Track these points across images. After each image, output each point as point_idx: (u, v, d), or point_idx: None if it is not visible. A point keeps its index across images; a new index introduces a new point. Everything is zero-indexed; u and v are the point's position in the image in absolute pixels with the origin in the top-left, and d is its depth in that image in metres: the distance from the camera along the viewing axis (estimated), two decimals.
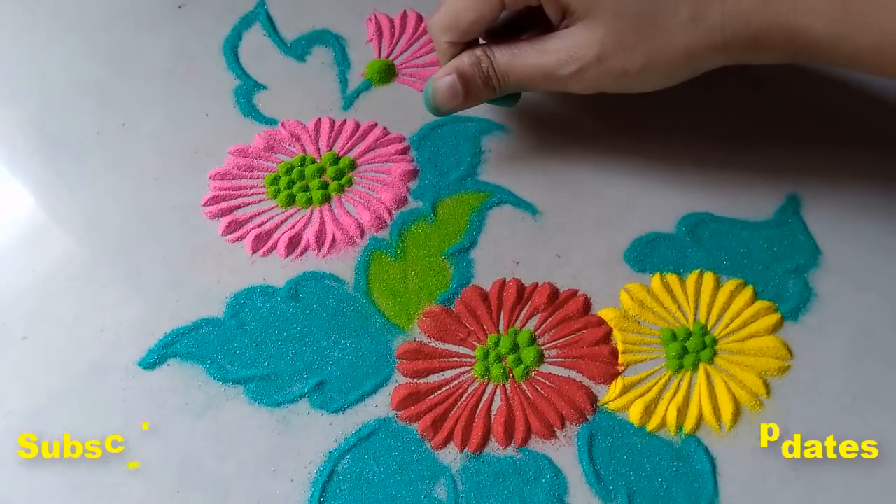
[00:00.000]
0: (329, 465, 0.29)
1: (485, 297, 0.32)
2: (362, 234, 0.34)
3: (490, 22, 0.30)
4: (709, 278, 0.32)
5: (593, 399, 0.30)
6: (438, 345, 0.31)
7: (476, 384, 0.30)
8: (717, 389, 0.30)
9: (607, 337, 0.31)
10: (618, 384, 0.30)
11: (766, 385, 0.30)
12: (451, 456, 0.29)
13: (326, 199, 0.35)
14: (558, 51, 0.29)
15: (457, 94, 0.31)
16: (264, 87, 0.39)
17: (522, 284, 0.32)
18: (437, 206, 0.35)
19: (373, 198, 0.35)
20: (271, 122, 0.38)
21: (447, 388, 0.30)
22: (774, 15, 0.27)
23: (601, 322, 0.31)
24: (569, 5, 0.28)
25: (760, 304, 0.32)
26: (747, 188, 0.35)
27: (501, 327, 0.32)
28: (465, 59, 0.30)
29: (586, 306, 0.32)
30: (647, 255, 0.33)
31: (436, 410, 0.30)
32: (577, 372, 0.31)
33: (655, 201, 0.35)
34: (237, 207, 0.35)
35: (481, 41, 0.33)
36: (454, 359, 0.31)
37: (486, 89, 0.31)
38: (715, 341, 0.31)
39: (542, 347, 0.31)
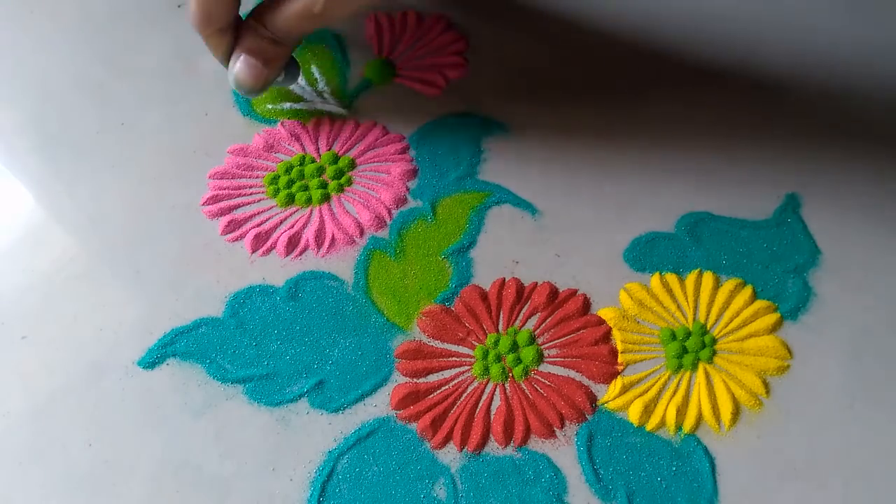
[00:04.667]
0: (328, 465, 0.29)
1: (484, 296, 0.32)
2: (362, 233, 0.34)
3: (233, 4, 0.31)
4: (708, 278, 0.32)
5: (592, 398, 0.30)
6: (438, 344, 0.31)
7: (475, 384, 0.30)
8: (716, 389, 0.30)
9: (607, 336, 0.31)
10: (617, 384, 0.30)
11: (766, 384, 0.30)
12: (450, 455, 0.29)
13: (326, 198, 0.35)
14: None
15: (256, 67, 0.32)
16: None
17: (522, 284, 0.32)
18: (436, 206, 0.35)
19: (372, 197, 0.35)
20: (271, 121, 0.38)
21: (446, 387, 0.30)
22: None
23: (600, 322, 0.31)
24: None
25: (760, 304, 0.32)
26: (747, 188, 0.35)
27: (501, 327, 0.32)
28: (244, 38, 0.32)
29: (586, 306, 0.32)
30: (647, 254, 0.33)
31: (435, 410, 0.30)
32: (577, 371, 0.31)
33: (655, 201, 0.35)
34: (236, 207, 0.35)
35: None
36: (453, 358, 0.31)
37: (278, 48, 0.32)
38: (714, 341, 0.31)
39: (542, 347, 0.31)
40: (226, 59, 0.33)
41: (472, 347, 0.31)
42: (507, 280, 0.32)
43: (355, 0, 0.31)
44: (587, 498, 0.28)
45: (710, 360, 0.31)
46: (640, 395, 0.30)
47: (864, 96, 0.37)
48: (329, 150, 0.37)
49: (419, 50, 0.40)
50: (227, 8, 0.31)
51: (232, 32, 0.32)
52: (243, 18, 0.33)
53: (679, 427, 0.29)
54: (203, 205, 0.35)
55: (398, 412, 0.30)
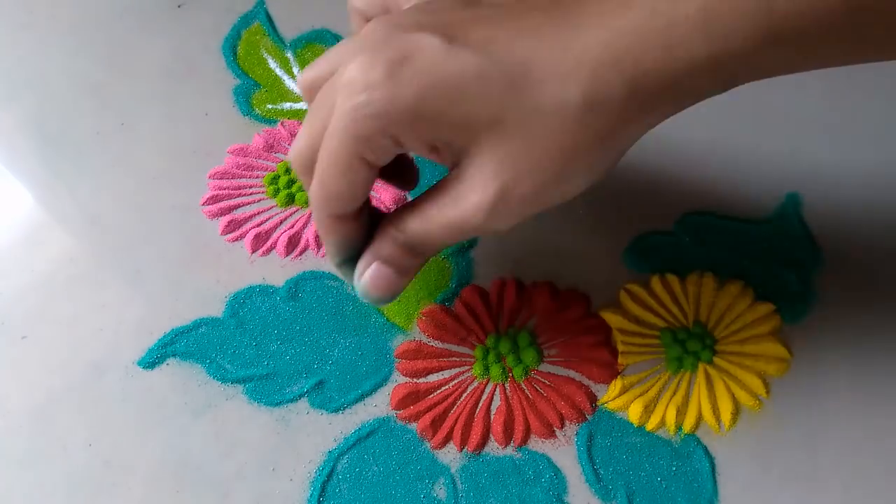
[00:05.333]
0: (328, 465, 0.29)
1: (484, 296, 0.32)
2: None
3: (367, 185, 0.24)
4: (708, 278, 0.32)
5: (593, 398, 0.30)
6: (438, 344, 0.31)
7: (475, 384, 0.30)
8: (716, 389, 0.30)
9: (607, 337, 0.31)
10: (617, 384, 0.30)
11: (766, 385, 0.30)
12: (450, 455, 0.29)
13: None
14: (457, 200, 0.23)
15: (390, 279, 0.26)
16: (264, 87, 0.39)
17: (522, 284, 0.32)
18: None
19: (372, 197, 0.35)
20: (271, 121, 0.38)
21: (446, 387, 0.30)
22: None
23: (601, 322, 0.31)
24: (445, 146, 0.23)
25: (760, 305, 0.32)
26: (747, 187, 0.35)
27: (501, 327, 0.32)
28: (379, 243, 0.26)
29: (586, 306, 0.32)
30: (647, 255, 0.33)
31: (435, 410, 0.30)
32: (577, 371, 0.31)
33: (655, 201, 0.35)
34: (236, 207, 0.35)
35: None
36: (454, 358, 0.31)
37: (416, 260, 0.26)
38: (714, 341, 0.31)
39: (542, 347, 0.31)
40: (340, 253, 0.27)
41: (472, 347, 0.31)
42: (507, 280, 0.32)
43: (520, 212, 0.24)
44: (587, 498, 0.28)
45: (710, 361, 0.31)
46: (641, 395, 0.30)
47: (863, 95, 0.37)
48: None
49: None
50: (357, 190, 0.24)
51: (357, 225, 0.26)
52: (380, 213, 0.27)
53: (679, 427, 0.29)
54: (203, 205, 0.35)
55: (398, 412, 0.30)
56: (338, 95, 0.23)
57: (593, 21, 0.22)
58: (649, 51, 0.21)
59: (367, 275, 0.26)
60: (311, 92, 0.25)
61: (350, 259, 0.27)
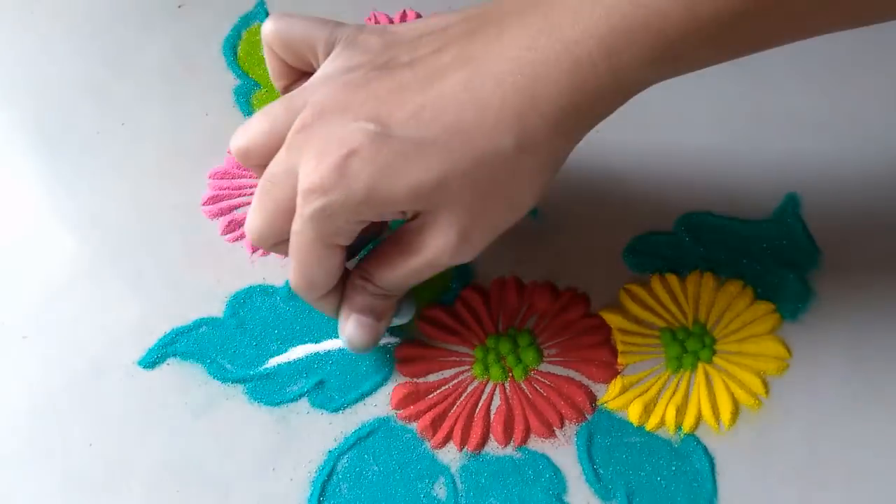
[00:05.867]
0: (328, 465, 0.29)
1: (484, 296, 0.32)
2: None
3: (343, 261, 0.27)
4: (708, 278, 0.32)
5: (592, 398, 0.30)
6: (438, 344, 0.31)
7: (475, 383, 0.30)
8: (716, 389, 0.30)
9: (606, 337, 0.31)
10: (617, 383, 0.30)
11: (765, 384, 0.30)
12: (450, 455, 0.29)
13: None
14: (421, 248, 0.26)
15: (370, 326, 0.28)
16: (264, 87, 0.39)
17: (522, 284, 0.32)
18: None
19: None
20: None
21: (446, 387, 0.30)
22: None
23: (600, 322, 0.31)
24: (406, 208, 0.25)
25: (759, 304, 0.32)
26: (746, 187, 0.35)
27: (501, 327, 0.32)
28: (352, 296, 0.28)
29: (586, 306, 0.32)
30: (647, 254, 0.33)
31: (435, 410, 0.30)
32: (577, 371, 0.31)
33: (654, 201, 0.35)
34: (237, 207, 0.35)
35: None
36: (453, 358, 0.31)
37: (389, 301, 0.28)
38: (714, 341, 0.31)
39: (542, 347, 0.31)
40: (334, 313, 0.29)
41: (473, 347, 0.31)
42: (507, 280, 0.32)
43: (481, 245, 0.26)
44: (587, 497, 0.28)
45: (709, 360, 0.31)
46: (640, 394, 0.30)
47: (863, 95, 0.37)
48: None
49: None
50: (331, 277, 0.27)
51: (339, 293, 0.28)
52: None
53: (679, 427, 0.29)
54: (203, 205, 0.35)
55: (398, 412, 0.30)
56: (299, 200, 0.25)
57: (505, 72, 0.24)
58: (562, 92, 0.23)
59: (349, 329, 0.28)
60: (248, 159, 0.27)
61: None
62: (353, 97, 0.25)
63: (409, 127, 0.24)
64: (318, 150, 0.24)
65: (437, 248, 0.25)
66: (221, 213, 0.35)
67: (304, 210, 0.25)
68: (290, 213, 0.26)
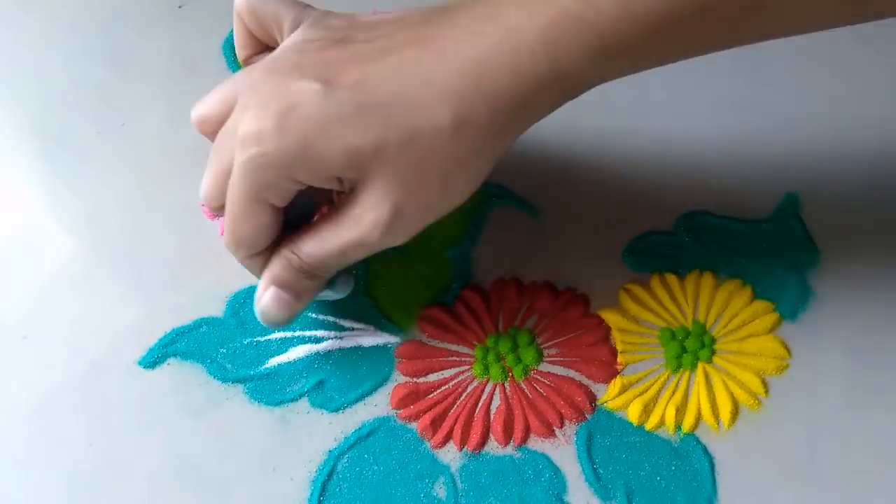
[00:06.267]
0: (329, 464, 0.29)
1: (484, 296, 0.32)
2: None
3: (275, 224, 0.26)
4: (707, 277, 0.32)
5: (592, 398, 0.30)
6: (438, 344, 0.31)
7: (475, 383, 0.30)
8: (715, 388, 0.30)
9: (606, 336, 0.31)
10: (617, 383, 0.30)
11: (765, 384, 0.30)
12: (450, 455, 0.29)
13: None
14: (353, 222, 0.25)
15: (286, 303, 0.27)
16: None
17: (522, 284, 0.32)
18: None
19: None
20: None
21: (446, 387, 0.30)
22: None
23: (600, 321, 0.31)
24: (340, 176, 0.25)
25: (759, 304, 0.32)
26: (746, 187, 0.35)
27: (501, 326, 0.32)
28: (275, 267, 0.27)
29: (585, 306, 0.32)
30: (647, 254, 0.33)
31: (435, 409, 0.30)
32: (576, 371, 0.31)
33: (654, 200, 0.35)
34: None
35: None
36: (453, 358, 0.31)
37: (313, 281, 0.28)
38: (713, 340, 0.31)
39: (542, 346, 0.31)
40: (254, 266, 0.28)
41: (472, 347, 0.31)
42: (507, 280, 0.32)
43: (413, 226, 0.26)
44: (587, 497, 0.28)
45: (709, 360, 0.31)
46: (640, 394, 0.30)
47: (863, 95, 0.37)
48: None
49: None
50: (259, 236, 0.26)
51: (268, 257, 0.28)
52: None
53: (678, 426, 0.29)
54: (203, 205, 0.35)
55: (398, 412, 0.30)
56: (235, 148, 0.25)
57: (451, 52, 0.24)
58: (503, 76, 0.24)
59: (265, 299, 0.28)
60: (204, 126, 0.28)
61: None
62: (304, 60, 0.25)
63: (353, 90, 0.24)
64: (261, 102, 0.25)
65: (369, 223, 0.25)
66: (222, 213, 0.35)
67: (238, 157, 0.25)
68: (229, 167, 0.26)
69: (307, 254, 0.27)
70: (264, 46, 0.30)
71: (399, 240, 0.26)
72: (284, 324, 0.28)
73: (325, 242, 0.26)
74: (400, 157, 0.24)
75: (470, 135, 0.25)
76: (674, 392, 0.30)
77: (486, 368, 0.31)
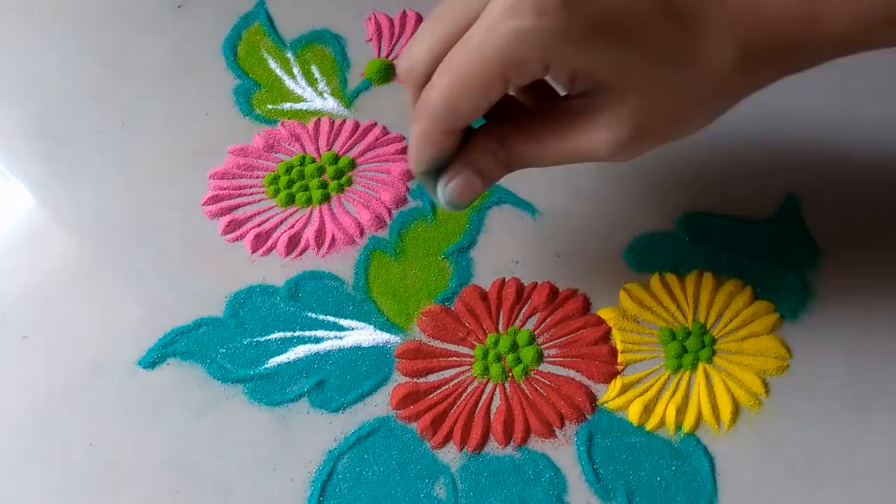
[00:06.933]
0: (328, 464, 0.29)
1: (484, 296, 0.32)
2: (362, 233, 0.34)
3: (492, 103, 0.24)
4: (708, 277, 0.32)
5: (592, 398, 0.30)
6: (438, 344, 0.31)
7: (475, 383, 0.30)
8: (716, 389, 0.30)
9: (606, 336, 0.31)
10: (617, 383, 0.30)
11: (765, 384, 0.30)
12: (450, 455, 0.29)
13: (326, 198, 0.35)
14: (585, 133, 0.24)
15: (475, 190, 0.26)
16: (264, 87, 0.39)
17: (522, 284, 0.32)
18: (436, 206, 0.35)
19: (372, 197, 0.35)
20: (271, 121, 0.38)
21: (446, 387, 0.30)
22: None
23: (600, 321, 0.31)
24: (593, 77, 0.23)
25: (759, 304, 0.32)
26: (746, 187, 0.35)
27: (501, 327, 0.32)
28: (476, 154, 0.26)
29: (585, 306, 0.32)
30: (647, 254, 0.33)
31: (435, 410, 0.30)
32: (577, 371, 0.31)
33: (655, 200, 0.35)
34: (237, 207, 0.35)
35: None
36: (453, 358, 0.31)
37: (503, 173, 0.27)
38: (714, 340, 0.31)
39: (542, 347, 0.31)
40: (431, 164, 0.26)
41: (472, 347, 0.31)
42: (506, 280, 0.32)
43: (640, 151, 0.25)
44: (587, 497, 0.28)
45: (709, 360, 0.31)
46: (640, 394, 0.30)
47: (863, 95, 0.37)
48: (329, 150, 0.37)
49: None
50: (484, 108, 0.24)
51: (458, 139, 0.26)
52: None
53: (679, 427, 0.29)
54: (203, 205, 0.35)
55: (398, 412, 0.30)
56: (493, 9, 0.22)
57: None
58: (794, 23, 0.22)
59: (456, 182, 0.26)
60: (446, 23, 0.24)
61: (435, 170, 0.27)
62: None
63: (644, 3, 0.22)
64: None
65: (603, 139, 0.23)
66: (221, 213, 0.35)
67: (501, 23, 0.22)
68: (457, 35, 0.23)
69: (519, 152, 0.25)
70: None
71: (623, 159, 0.25)
72: (463, 208, 0.27)
73: (546, 148, 0.25)
74: (669, 77, 0.23)
75: (745, 76, 0.23)
76: (674, 392, 0.30)
77: (486, 369, 0.31)
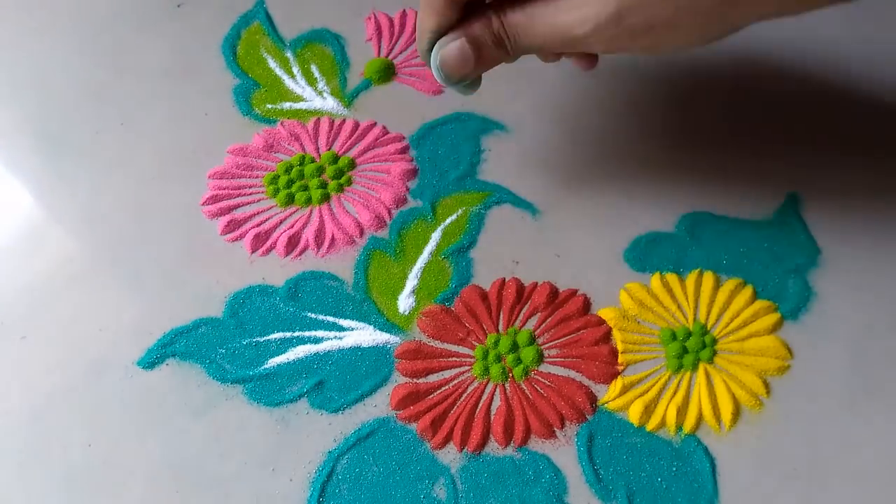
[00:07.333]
0: (328, 465, 0.29)
1: (484, 296, 0.32)
2: (361, 233, 0.34)
3: None
4: (708, 278, 0.32)
5: (593, 399, 0.30)
6: (438, 344, 0.31)
7: (475, 384, 0.30)
8: (716, 389, 0.30)
9: (607, 336, 0.31)
10: (617, 384, 0.30)
11: (766, 385, 0.30)
12: (450, 455, 0.29)
13: (325, 198, 0.35)
14: (571, 8, 0.25)
15: (467, 59, 0.27)
16: (264, 87, 0.39)
17: (522, 284, 0.32)
18: (436, 206, 0.35)
19: (372, 197, 0.35)
20: (271, 121, 0.38)
21: (446, 387, 0.30)
22: None
23: (601, 322, 0.31)
24: None
25: (760, 304, 0.32)
26: (747, 187, 0.35)
27: (501, 327, 0.32)
28: (474, 23, 0.27)
29: (586, 306, 0.32)
30: (647, 254, 0.33)
31: (435, 410, 0.30)
32: (577, 371, 0.31)
33: (655, 201, 0.35)
34: (236, 207, 0.35)
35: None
36: (453, 358, 0.31)
37: (499, 52, 0.28)
38: (714, 341, 0.31)
39: (542, 347, 0.31)
40: (433, 38, 0.28)
41: (472, 347, 0.31)
42: (507, 280, 0.32)
43: (621, 42, 0.25)
44: (587, 498, 0.28)
45: (710, 361, 0.31)
46: (641, 395, 0.30)
47: (864, 95, 0.37)
48: (329, 149, 0.37)
49: None
50: None
51: (460, 13, 0.27)
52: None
53: (679, 427, 0.29)
54: (203, 205, 0.35)
55: (398, 412, 0.30)
56: None
57: None
58: None
59: (450, 48, 0.27)
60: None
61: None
62: None
63: None
64: None
65: (586, 14, 0.25)
66: (221, 212, 0.35)
67: None
68: None
69: (511, 23, 0.26)
70: None
71: (600, 48, 0.26)
72: (454, 81, 0.28)
73: (535, 18, 0.26)
74: None
75: None
76: (675, 393, 0.30)
77: (486, 369, 0.30)
